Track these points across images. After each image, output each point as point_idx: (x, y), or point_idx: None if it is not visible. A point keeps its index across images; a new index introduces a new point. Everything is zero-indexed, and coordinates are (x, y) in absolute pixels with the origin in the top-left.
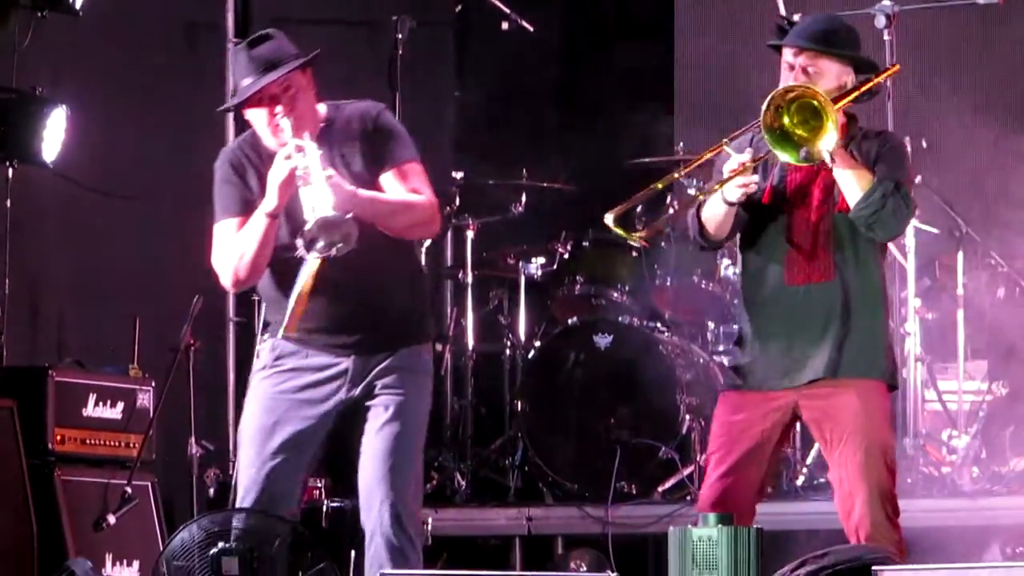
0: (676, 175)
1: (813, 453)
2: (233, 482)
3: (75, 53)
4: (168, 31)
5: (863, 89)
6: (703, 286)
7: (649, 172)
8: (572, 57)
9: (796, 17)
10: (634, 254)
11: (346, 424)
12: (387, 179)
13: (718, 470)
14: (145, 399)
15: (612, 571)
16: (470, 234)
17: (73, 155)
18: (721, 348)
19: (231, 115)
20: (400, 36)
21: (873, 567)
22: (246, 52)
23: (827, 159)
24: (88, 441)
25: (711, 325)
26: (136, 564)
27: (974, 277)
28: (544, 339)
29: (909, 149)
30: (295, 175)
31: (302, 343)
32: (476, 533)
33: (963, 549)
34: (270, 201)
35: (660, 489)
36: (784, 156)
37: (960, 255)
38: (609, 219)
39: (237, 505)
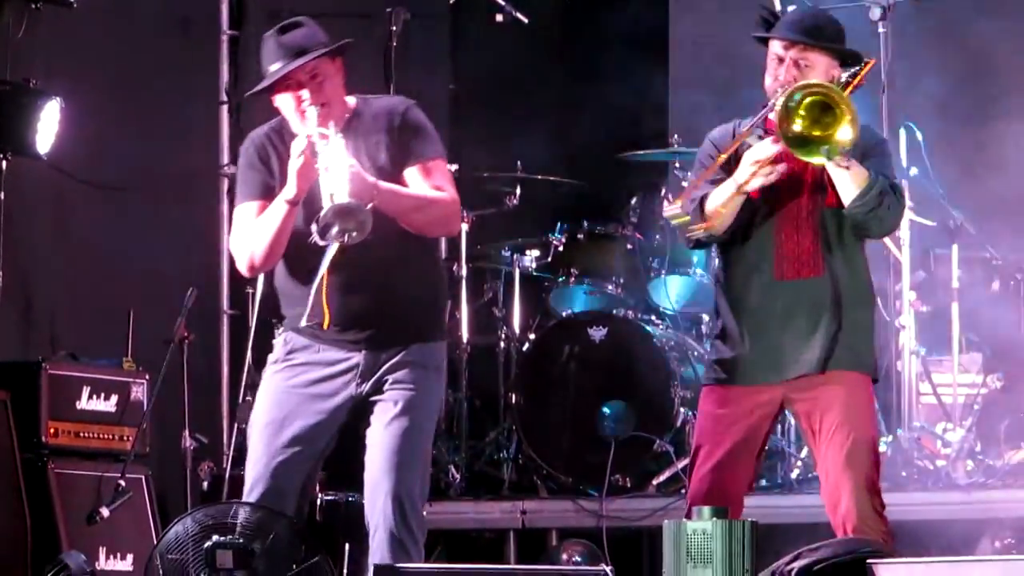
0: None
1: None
2: (226, 475)
3: (69, 45)
4: (162, 24)
5: (857, 80)
6: (698, 279)
7: (643, 165)
8: (567, 49)
9: (778, 8)
10: (628, 247)
11: (357, 419)
12: (411, 174)
13: (708, 463)
14: (139, 392)
15: (607, 564)
16: (464, 226)
17: (67, 147)
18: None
19: (225, 109)
20: (395, 28)
21: (867, 560)
22: (276, 38)
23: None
24: (81, 434)
25: (706, 318)
26: (130, 557)
27: (969, 270)
28: (539, 332)
29: (903, 141)
30: (316, 163)
31: (314, 337)
32: (470, 527)
33: (957, 542)
34: (290, 188)
35: (655, 482)
36: (810, 159)
37: (955, 247)
38: (672, 211)
39: (244, 498)
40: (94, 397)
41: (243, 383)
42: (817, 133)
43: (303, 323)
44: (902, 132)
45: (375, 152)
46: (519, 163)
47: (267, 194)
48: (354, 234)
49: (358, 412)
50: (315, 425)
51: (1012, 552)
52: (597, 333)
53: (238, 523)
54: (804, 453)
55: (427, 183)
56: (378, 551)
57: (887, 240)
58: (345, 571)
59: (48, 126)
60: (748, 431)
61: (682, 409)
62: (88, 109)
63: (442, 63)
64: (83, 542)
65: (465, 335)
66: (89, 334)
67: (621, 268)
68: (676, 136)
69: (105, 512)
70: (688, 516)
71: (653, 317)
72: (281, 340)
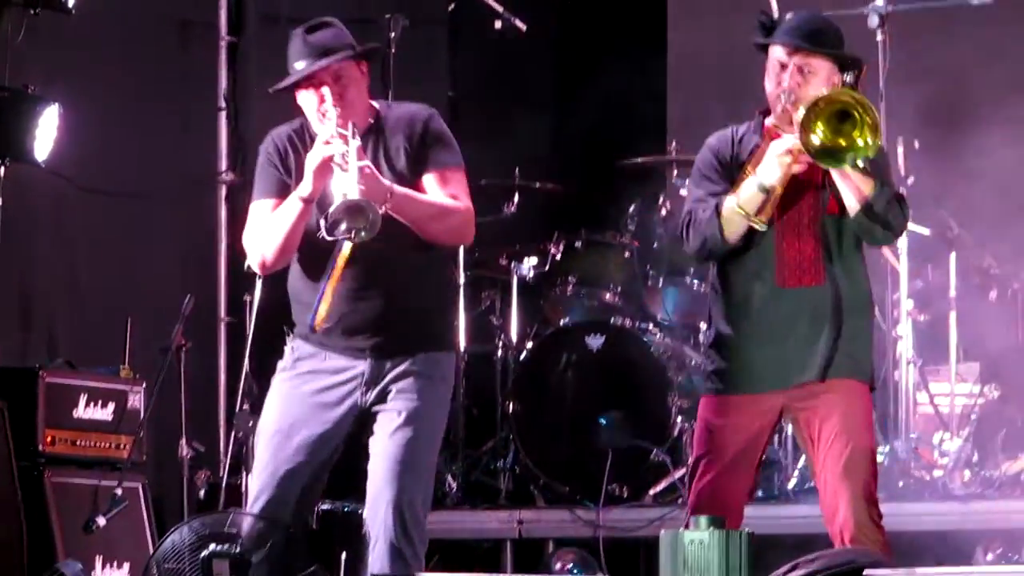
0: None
1: (804, 457)
2: (223, 483)
3: (68, 51)
4: (161, 29)
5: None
6: (695, 287)
7: (641, 173)
8: (565, 57)
9: (775, 14)
10: (627, 255)
11: (362, 428)
12: (428, 180)
13: (709, 474)
14: (136, 400)
15: (603, 574)
16: None
17: (65, 154)
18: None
19: (223, 115)
20: (393, 34)
21: (865, 571)
22: (303, 36)
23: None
24: (78, 442)
25: (703, 327)
26: (126, 566)
27: (967, 279)
28: (536, 340)
29: (901, 149)
30: (332, 162)
31: (321, 345)
32: (467, 536)
33: (954, 553)
34: (305, 186)
35: (652, 492)
36: (838, 167)
37: (952, 257)
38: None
39: (249, 506)
40: (91, 405)
41: (240, 391)
42: (841, 142)
43: (314, 323)
44: (899, 140)
45: (394, 157)
46: (517, 171)
47: (283, 192)
48: (363, 233)
49: (363, 421)
50: (321, 434)
51: (1005, 562)
52: (595, 342)
53: (235, 532)
54: (801, 463)
55: (443, 191)
56: (377, 561)
57: (885, 249)
58: None
59: (47, 132)
60: (749, 440)
61: (679, 419)
62: (87, 115)
63: (440, 70)
64: (79, 551)
65: (462, 343)
66: (86, 342)
67: (619, 276)
68: (674, 143)
69: (102, 520)
70: (687, 526)
71: (651, 326)
72: (289, 348)
